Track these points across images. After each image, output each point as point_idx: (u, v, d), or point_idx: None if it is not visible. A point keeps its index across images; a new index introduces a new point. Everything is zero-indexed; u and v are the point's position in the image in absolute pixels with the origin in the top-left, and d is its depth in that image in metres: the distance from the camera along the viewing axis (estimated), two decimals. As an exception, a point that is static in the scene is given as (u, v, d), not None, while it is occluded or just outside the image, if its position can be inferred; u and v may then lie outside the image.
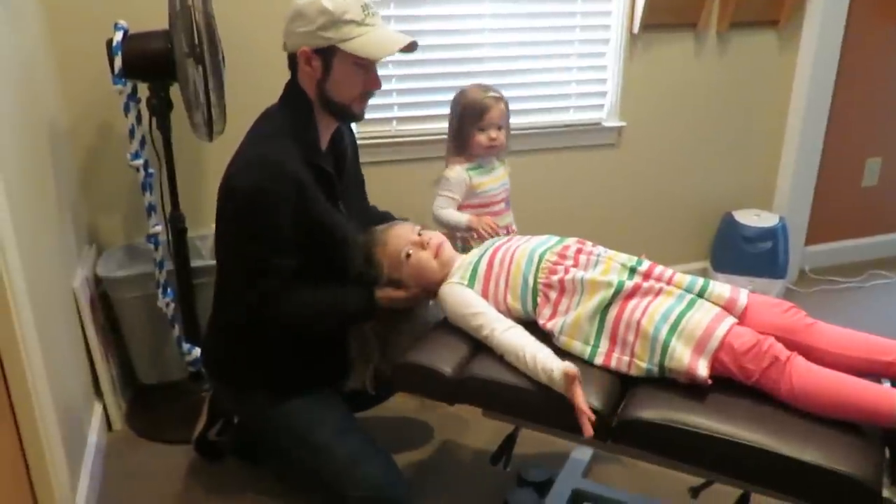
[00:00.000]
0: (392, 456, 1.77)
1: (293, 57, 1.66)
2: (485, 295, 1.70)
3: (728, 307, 1.58)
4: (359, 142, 2.57)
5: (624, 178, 3.04)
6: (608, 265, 1.66)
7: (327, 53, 1.61)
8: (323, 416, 1.76)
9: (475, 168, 2.25)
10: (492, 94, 2.21)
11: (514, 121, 2.77)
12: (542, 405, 1.52)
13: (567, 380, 1.45)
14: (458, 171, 2.23)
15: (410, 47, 1.68)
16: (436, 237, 1.80)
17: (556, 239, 1.78)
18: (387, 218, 1.94)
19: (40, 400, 1.60)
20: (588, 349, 1.59)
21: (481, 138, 2.19)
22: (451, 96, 2.69)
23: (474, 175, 2.24)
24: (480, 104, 2.19)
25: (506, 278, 1.69)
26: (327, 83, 1.65)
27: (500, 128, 2.21)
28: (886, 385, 1.49)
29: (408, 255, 1.75)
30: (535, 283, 1.66)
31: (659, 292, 1.58)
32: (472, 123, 2.20)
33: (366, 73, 1.66)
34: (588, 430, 1.43)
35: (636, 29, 2.78)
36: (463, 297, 1.68)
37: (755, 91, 3.08)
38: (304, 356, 1.78)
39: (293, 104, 1.69)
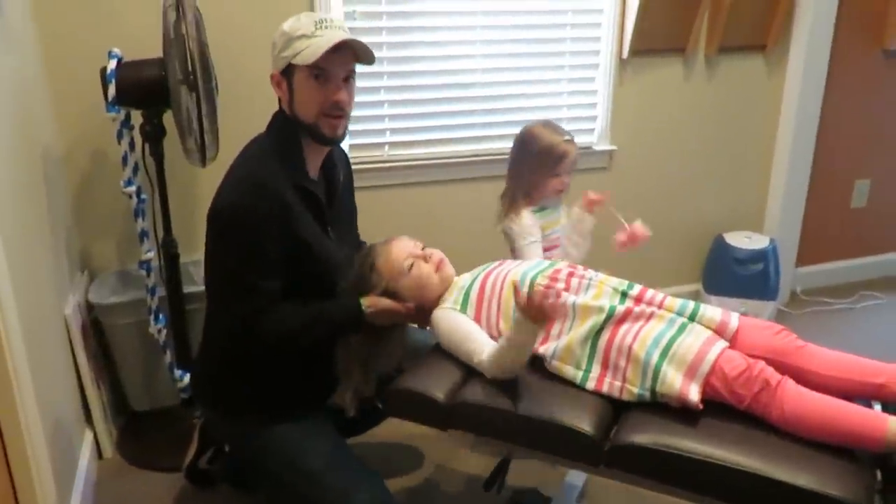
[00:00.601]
0: (384, 482, 1.76)
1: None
2: (477, 319, 1.70)
3: (719, 330, 1.58)
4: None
5: (615, 202, 3.05)
6: (600, 289, 1.67)
7: (288, 73, 1.63)
8: (314, 442, 1.75)
9: (539, 210, 2.17)
10: (566, 137, 2.12)
11: (506, 145, 2.79)
12: (536, 430, 1.52)
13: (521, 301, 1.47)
14: (527, 216, 2.13)
15: (345, 46, 1.59)
16: (437, 253, 1.79)
17: (547, 262, 1.78)
18: None
19: (30, 427, 1.59)
20: (580, 374, 1.59)
21: (555, 183, 2.12)
22: (442, 121, 2.73)
23: (540, 218, 2.17)
24: (558, 150, 2.08)
25: (497, 302, 1.69)
26: (294, 104, 1.65)
27: (568, 173, 2.14)
28: (877, 408, 1.50)
29: (410, 267, 1.74)
30: None
31: (650, 316, 1.59)
32: (547, 169, 2.10)
33: (324, 87, 1.62)
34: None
35: (625, 54, 2.82)
36: (455, 322, 1.69)
37: (744, 114, 3.11)
38: (293, 380, 1.77)
39: (280, 129, 1.70)
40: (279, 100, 1.70)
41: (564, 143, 2.10)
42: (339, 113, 1.65)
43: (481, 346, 1.62)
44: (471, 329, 1.66)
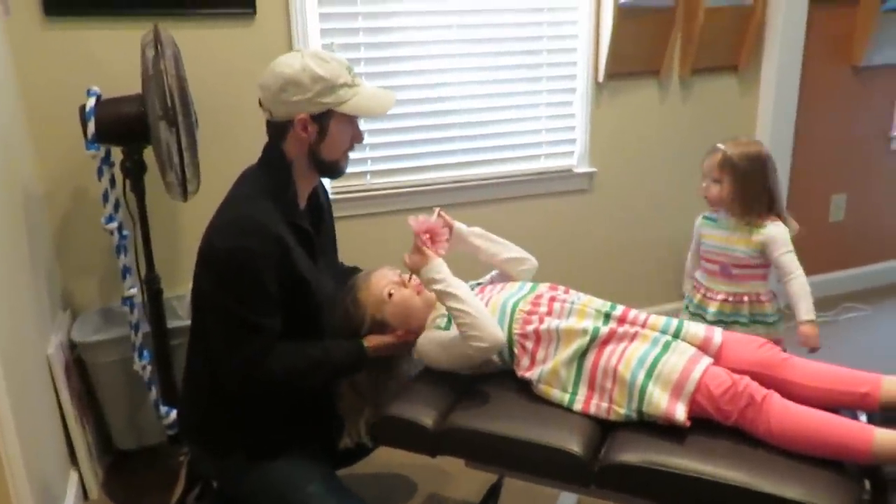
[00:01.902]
0: (376, 512, 1.75)
1: (282, 124, 1.65)
2: None
3: (703, 346, 1.60)
4: (333, 196, 2.62)
5: (597, 223, 3.09)
6: (583, 311, 1.68)
7: (324, 118, 1.64)
8: (304, 476, 1.73)
9: (709, 218, 2.25)
10: (720, 145, 2.19)
11: (486, 170, 2.84)
12: (525, 453, 1.51)
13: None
14: (698, 219, 2.28)
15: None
16: (416, 277, 1.79)
17: (528, 286, 1.79)
18: (355, 272, 1.94)
19: (13, 470, 1.57)
20: (567, 396, 1.59)
21: (701, 188, 2.21)
22: (423, 149, 2.76)
23: (704, 224, 2.27)
24: (708, 152, 2.20)
25: None
26: (321, 145, 1.67)
27: (715, 181, 2.15)
28: (863, 419, 1.51)
29: (390, 295, 1.75)
30: (511, 334, 1.67)
31: (634, 336, 1.60)
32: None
33: (354, 130, 1.72)
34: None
35: (601, 77, 2.86)
36: (436, 335, 1.70)
37: (719, 134, 3.09)
38: (282, 415, 1.75)
39: (273, 166, 1.70)
40: (279, 137, 1.67)
41: (715, 149, 2.19)
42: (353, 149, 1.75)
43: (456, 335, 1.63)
44: (450, 333, 1.67)
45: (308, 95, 1.60)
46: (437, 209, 1.81)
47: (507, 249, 1.95)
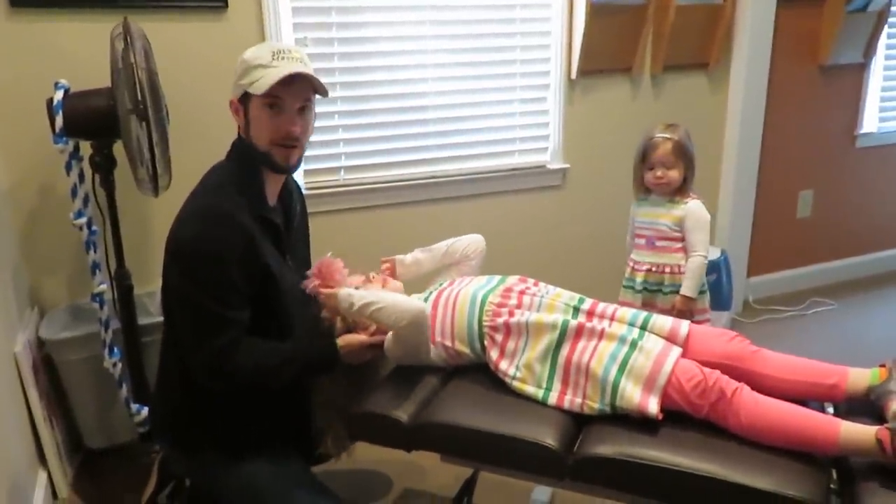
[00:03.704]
0: (351, 508, 1.75)
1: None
2: (432, 340, 1.72)
3: (671, 337, 1.62)
4: (307, 192, 2.61)
5: (570, 219, 3.11)
6: (552, 305, 1.69)
7: (245, 101, 1.63)
8: (278, 473, 1.72)
9: (643, 199, 2.29)
10: (662, 134, 2.21)
11: (459, 166, 2.85)
12: (500, 446, 1.52)
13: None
14: (633, 203, 2.33)
15: (300, 77, 1.59)
16: (379, 275, 1.85)
17: (497, 279, 1.80)
18: None
19: (-20, 471, 1.54)
20: (541, 392, 1.61)
21: (649, 178, 2.22)
22: (397, 144, 2.76)
23: (637, 205, 2.31)
24: (650, 143, 2.21)
25: (451, 322, 1.71)
26: (249, 131, 1.65)
27: (667, 167, 2.19)
28: (830, 410, 1.55)
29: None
30: (480, 326, 1.68)
31: (603, 333, 1.61)
32: (640, 161, 2.24)
33: (277, 117, 1.62)
34: None
35: (574, 74, 2.88)
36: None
37: (690, 130, 3.18)
38: (256, 413, 1.74)
39: (239, 157, 1.69)
40: (238, 127, 1.70)
41: (657, 138, 2.20)
42: (291, 143, 1.64)
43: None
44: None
45: (235, 80, 1.61)
46: (328, 253, 1.82)
47: (444, 246, 2.00)
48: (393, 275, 1.95)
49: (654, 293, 2.27)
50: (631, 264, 2.33)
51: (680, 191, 2.23)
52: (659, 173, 2.19)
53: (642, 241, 2.30)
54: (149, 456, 2.20)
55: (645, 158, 2.21)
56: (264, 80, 1.57)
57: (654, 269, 2.26)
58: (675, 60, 3.04)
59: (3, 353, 1.95)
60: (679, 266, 2.23)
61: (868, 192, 3.67)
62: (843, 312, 3.40)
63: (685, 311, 2.17)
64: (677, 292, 2.22)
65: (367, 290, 1.67)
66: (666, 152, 2.18)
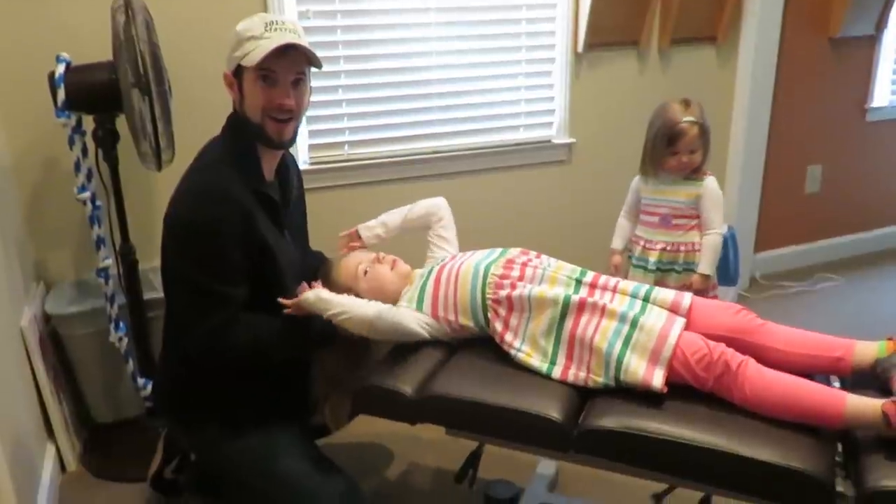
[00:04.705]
0: (356, 481, 1.75)
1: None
2: (434, 314, 1.72)
3: (674, 308, 1.62)
4: (311, 167, 2.60)
5: (575, 194, 3.09)
6: (554, 278, 1.68)
7: (238, 74, 1.61)
8: (282, 446, 1.73)
9: (649, 176, 2.26)
10: (690, 118, 2.13)
11: (465, 141, 2.83)
12: (505, 419, 1.52)
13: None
14: (636, 178, 2.30)
15: (293, 49, 1.57)
16: (390, 256, 1.84)
17: (498, 251, 1.79)
18: (323, 258, 1.97)
19: (-12, 443, 1.55)
20: (546, 365, 1.61)
21: (672, 162, 2.16)
22: (401, 119, 2.73)
23: (644, 181, 2.28)
24: (675, 128, 2.12)
25: (454, 296, 1.70)
26: (244, 105, 1.63)
27: (693, 151, 2.15)
28: (836, 384, 1.54)
29: (365, 272, 1.78)
30: (484, 298, 1.67)
31: (604, 310, 1.59)
32: (664, 146, 2.15)
33: (270, 89, 1.59)
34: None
35: (581, 48, 2.85)
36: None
37: (698, 104, 3.16)
38: (258, 386, 1.74)
39: (234, 132, 1.68)
40: (233, 101, 1.69)
41: (684, 123, 2.13)
42: (285, 116, 1.62)
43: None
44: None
45: (228, 53, 1.59)
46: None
47: (404, 211, 2.00)
48: (357, 240, 1.96)
49: (667, 272, 2.25)
50: (642, 243, 2.30)
51: (696, 168, 2.19)
52: (685, 158, 2.15)
53: (655, 219, 2.26)
54: (155, 430, 2.22)
55: (670, 143, 2.14)
56: (256, 52, 1.54)
57: (668, 248, 2.24)
58: (683, 34, 2.99)
59: (10, 328, 1.96)
60: (693, 244, 2.21)
61: (878, 166, 3.64)
62: (851, 288, 3.38)
63: (703, 289, 2.15)
64: (690, 270, 2.20)
65: (335, 297, 1.64)
66: (694, 137, 2.13)
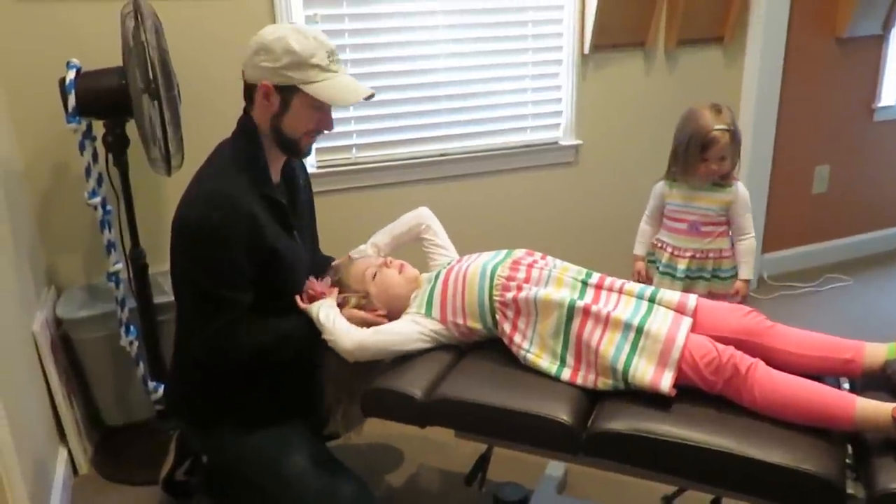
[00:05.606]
0: (366, 483, 1.76)
1: (251, 87, 1.66)
2: (443, 319, 1.72)
3: (679, 309, 1.62)
4: (319, 170, 2.61)
5: (582, 195, 3.09)
6: (560, 279, 1.69)
7: (287, 91, 1.62)
8: (293, 448, 1.74)
9: (675, 181, 2.24)
10: (721, 126, 2.10)
11: (472, 143, 2.84)
12: (514, 422, 1.53)
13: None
14: (660, 184, 2.28)
15: (369, 97, 1.70)
16: (398, 260, 1.85)
17: (504, 252, 1.80)
18: (331, 261, 1.97)
19: (2, 448, 1.56)
20: (555, 366, 1.61)
21: (702, 169, 2.15)
22: (409, 122, 2.74)
23: (667, 186, 2.26)
24: (707, 136, 2.10)
25: (462, 299, 1.70)
26: (283, 119, 1.65)
27: (723, 158, 2.13)
28: (846, 386, 1.54)
29: (374, 276, 1.78)
30: (491, 300, 1.68)
31: (608, 317, 1.59)
32: (696, 152, 2.13)
33: (321, 115, 1.67)
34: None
35: (587, 49, 2.85)
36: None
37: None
38: (268, 389, 1.76)
39: (244, 136, 1.69)
40: (247, 106, 1.68)
41: (716, 131, 2.10)
42: (321, 135, 1.72)
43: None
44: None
45: (275, 65, 1.59)
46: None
47: (391, 227, 2.02)
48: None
49: (696, 280, 2.23)
50: (669, 250, 2.28)
51: (725, 174, 2.18)
52: (714, 166, 2.14)
53: (683, 226, 2.24)
54: (166, 433, 2.23)
55: (703, 151, 2.12)
56: (327, 89, 1.61)
57: (697, 255, 2.22)
58: (689, 34, 2.99)
59: (22, 332, 1.98)
60: (720, 251, 2.21)
61: (886, 166, 3.63)
62: (859, 289, 3.37)
63: (744, 293, 2.16)
64: (717, 278, 2.20)
65: (327, 321, 1.66)
66: (726, 145, 2.12)
